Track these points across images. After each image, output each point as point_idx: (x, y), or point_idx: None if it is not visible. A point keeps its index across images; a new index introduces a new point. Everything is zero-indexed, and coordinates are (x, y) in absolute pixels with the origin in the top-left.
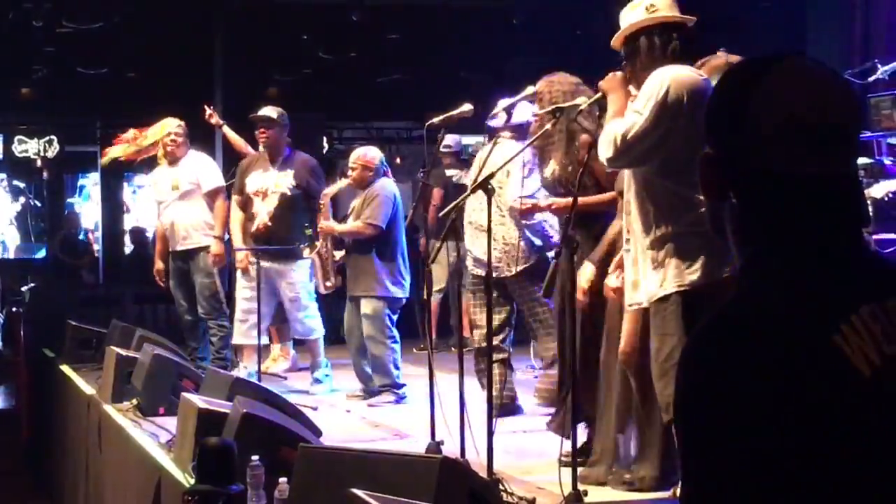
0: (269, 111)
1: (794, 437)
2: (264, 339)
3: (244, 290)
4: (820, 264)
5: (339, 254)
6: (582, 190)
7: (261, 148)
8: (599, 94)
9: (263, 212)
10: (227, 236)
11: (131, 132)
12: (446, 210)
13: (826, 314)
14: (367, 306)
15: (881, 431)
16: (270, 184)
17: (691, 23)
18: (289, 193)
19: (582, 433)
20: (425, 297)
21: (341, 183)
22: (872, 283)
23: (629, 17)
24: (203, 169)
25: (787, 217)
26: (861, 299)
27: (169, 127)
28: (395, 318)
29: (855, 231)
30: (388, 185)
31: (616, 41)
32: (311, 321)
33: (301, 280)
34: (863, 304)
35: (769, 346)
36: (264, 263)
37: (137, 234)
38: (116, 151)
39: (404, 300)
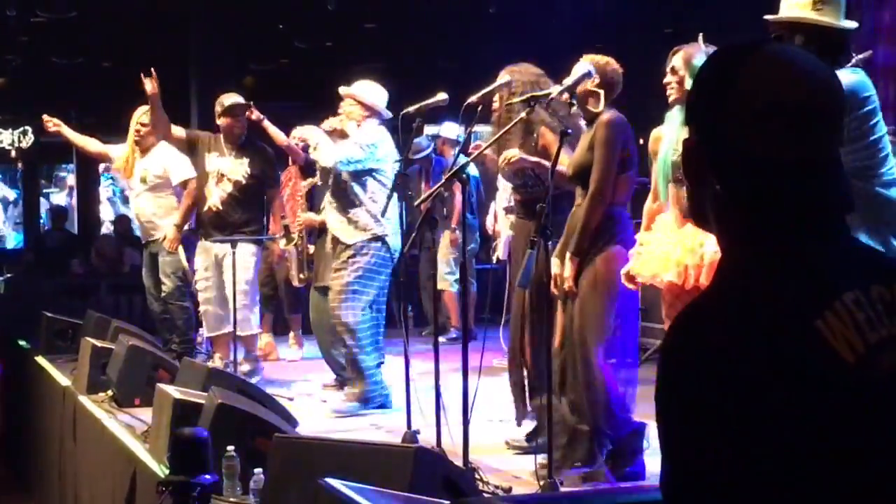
0: (238, 98)
1: (776, 423)
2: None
3: (200, 282)
4: (803, 251)
5: (311, 247)
6: (536, 181)
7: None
8: (569, 84)
9: (216, 195)
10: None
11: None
12: (422, 199)
13: (809, 301)
14: None
15: (864, 418)
16: (227, 169)
17: (851, 30)
18: (243, 182)
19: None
20: (436, 286)
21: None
22: (856, 270)
23: (793, 7)
24: (171, 161)
25: (770, 203)
26: (844, 286)
27: (137, 117)
28: None
29: (838, 217)
30: None
31: (773, 22)
32: (254, 315)
33: (249, 269)
34: (846, 290)
35: (752, 333)
36: (215, 250)
37: (123, 222)
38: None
39: None
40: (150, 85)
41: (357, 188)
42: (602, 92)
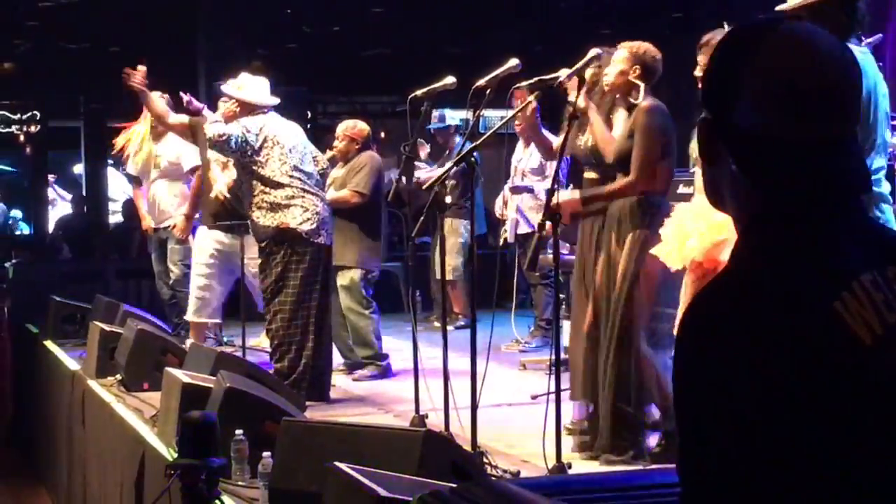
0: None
1: (793, 403)
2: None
3: (199, 267)
4: (820, 231)
5: None
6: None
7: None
8: (579, 66)
9: (222, 182)
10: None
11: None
12: (430, 182)
13: (826, 281)
14: (343, 278)
15: (881, 399)
16: None
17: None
18: None
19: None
20: (440, 274)
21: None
22: (873, 251)
23: None
24: (185, 147)
25: (787, 183)
26: (861, 267)
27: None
28: (370, 289)
29: (855, 197)
30: (375, 156)
31: (790, 6)
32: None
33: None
34: (863, 271)
35: (769, 314)
36: (224, 239)
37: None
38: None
39: (378, 271)
40: (137, 78)
41: None
42: (642, 84)
